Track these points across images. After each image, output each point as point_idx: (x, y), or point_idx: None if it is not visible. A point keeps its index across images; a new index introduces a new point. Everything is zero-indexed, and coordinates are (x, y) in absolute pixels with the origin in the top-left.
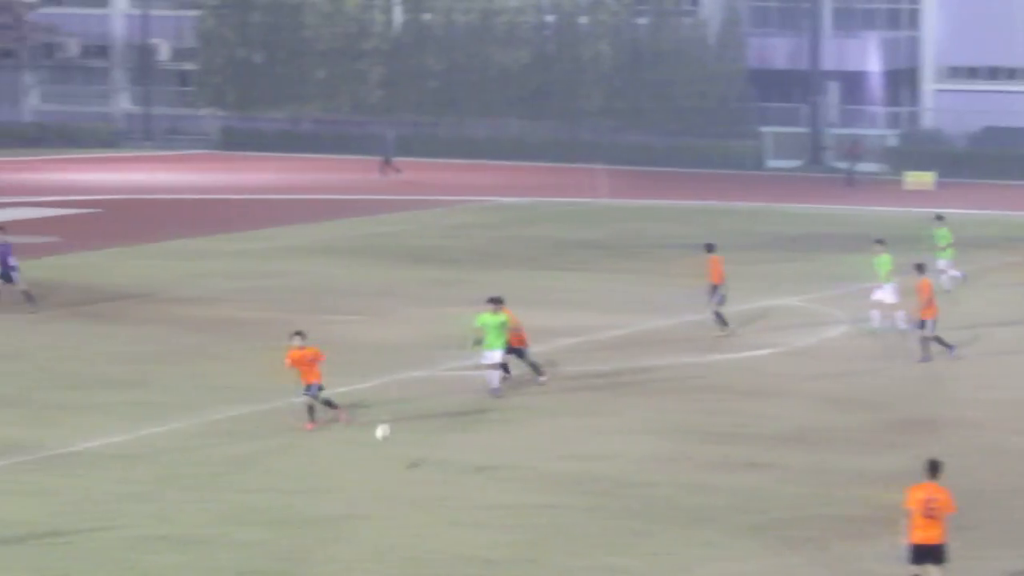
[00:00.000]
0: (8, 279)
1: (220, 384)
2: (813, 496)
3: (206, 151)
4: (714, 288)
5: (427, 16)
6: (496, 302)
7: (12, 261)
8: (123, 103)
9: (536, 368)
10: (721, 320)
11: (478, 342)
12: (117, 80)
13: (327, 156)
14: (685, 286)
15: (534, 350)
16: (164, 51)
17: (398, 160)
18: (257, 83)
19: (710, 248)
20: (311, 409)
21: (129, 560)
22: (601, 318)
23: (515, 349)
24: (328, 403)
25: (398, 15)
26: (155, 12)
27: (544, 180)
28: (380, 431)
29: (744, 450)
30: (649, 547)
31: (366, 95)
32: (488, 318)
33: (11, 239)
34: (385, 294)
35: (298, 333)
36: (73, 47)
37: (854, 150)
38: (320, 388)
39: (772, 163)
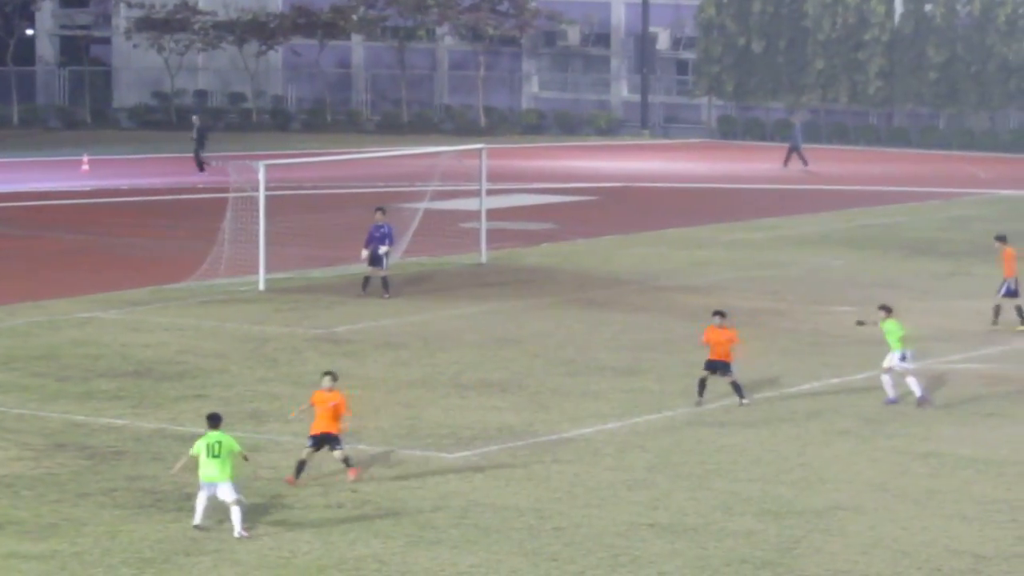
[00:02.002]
0: (379, 264)
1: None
2: None
3: (703, 140)
4: (1007, 281)
5: (928, 7)
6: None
7: (387, 244)
8: (621, 91)
9: (738, 390)
10: (1020, 313)
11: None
12: (616, 68)
13: (825, 147)
14: None
15: None
16: (663, 40)
17: (780, 147)
18: (755, 72)
19: (1001, 239)
20: (302, 464)
21: (618, 546)
22: None
23: (719, 364)
24: (346, 461)
25: (899, 5)
26: (655, 0)
27: None
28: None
29: None
30: None
31: (864, 86)
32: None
33: (505, 224)
34: (880, 285)
35: (328, 373)
36: (573, 35)
37: None
38: (335, 441)
39: None
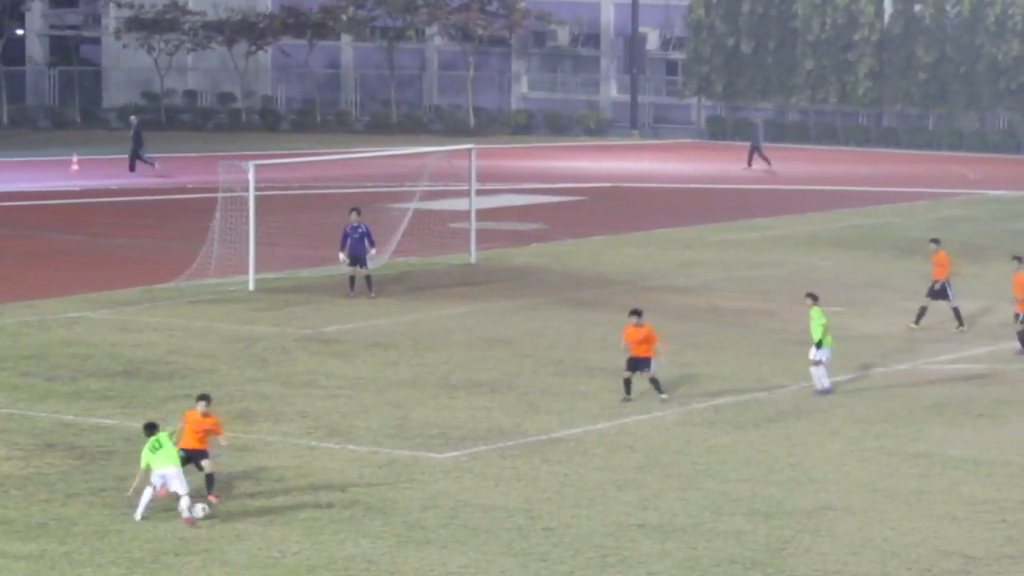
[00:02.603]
0: (362, 263)
1: (702, 373)
2: None
3: (692, 140)
4: (935, 283)
5: (917, 7)
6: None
7: (369, 244)
8: (611, 91)
9: (656, 385)
10: (958, 315)
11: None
12: (605, 69)
13: (813, 147)
14: None
15: None
16: (652, 40)
17: (768, 147)
18: (744, 73)
19: (935, 242)
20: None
21: (608, 547)
22: None
23: (640, 361)
24: (209, 480)
25: (888, 6)
26: (645, 1)
27: None
28: (200, 511)
29: None
30: None
31: (854, 86)
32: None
33: (495, 225)
34: (870, 285)
35: (202, 397)
36: (563, 35)
37: None
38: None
39: None
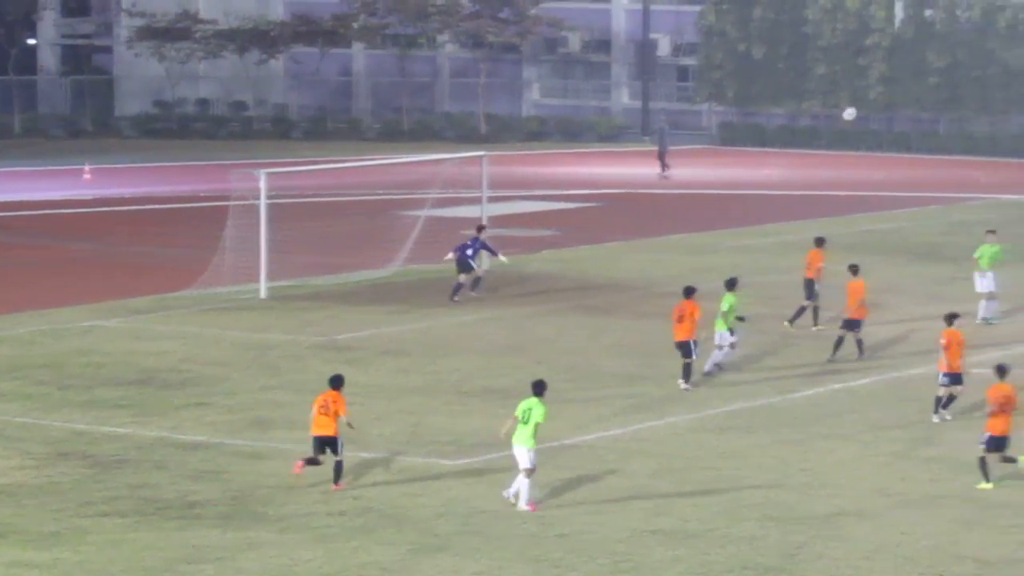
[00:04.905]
0: (468, 267)
1: (716, 379)
2: None
3: (704, 146)
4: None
5: (929, 12)
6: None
7: (473, 256)
8: (622, 98)
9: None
10: (800, 313)
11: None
12: (617, 75)
13: (826, 152)
14: None
15: None
16: (664, 46)
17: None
18: (757, 78)
19: (818, 242)
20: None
21: (621, 553)
22: None
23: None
24: (337, 469)
25: (899, 11)
26: (656, 7)
27: None
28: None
29: None
30: None
31: (865, 91)
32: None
33: (507, 231)
34: (883, 291)
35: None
36: (574, 42)
37: None
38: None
39: None
